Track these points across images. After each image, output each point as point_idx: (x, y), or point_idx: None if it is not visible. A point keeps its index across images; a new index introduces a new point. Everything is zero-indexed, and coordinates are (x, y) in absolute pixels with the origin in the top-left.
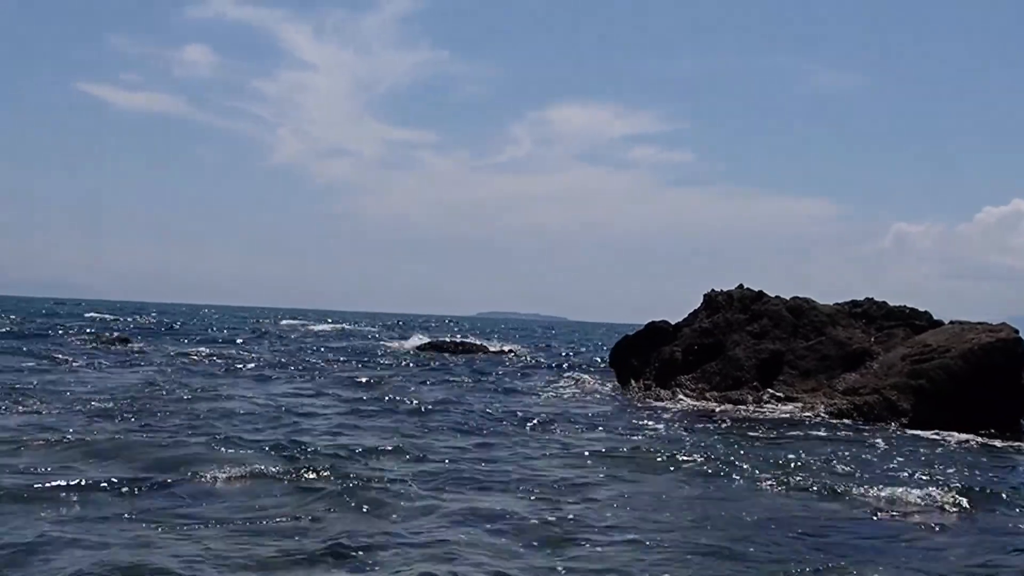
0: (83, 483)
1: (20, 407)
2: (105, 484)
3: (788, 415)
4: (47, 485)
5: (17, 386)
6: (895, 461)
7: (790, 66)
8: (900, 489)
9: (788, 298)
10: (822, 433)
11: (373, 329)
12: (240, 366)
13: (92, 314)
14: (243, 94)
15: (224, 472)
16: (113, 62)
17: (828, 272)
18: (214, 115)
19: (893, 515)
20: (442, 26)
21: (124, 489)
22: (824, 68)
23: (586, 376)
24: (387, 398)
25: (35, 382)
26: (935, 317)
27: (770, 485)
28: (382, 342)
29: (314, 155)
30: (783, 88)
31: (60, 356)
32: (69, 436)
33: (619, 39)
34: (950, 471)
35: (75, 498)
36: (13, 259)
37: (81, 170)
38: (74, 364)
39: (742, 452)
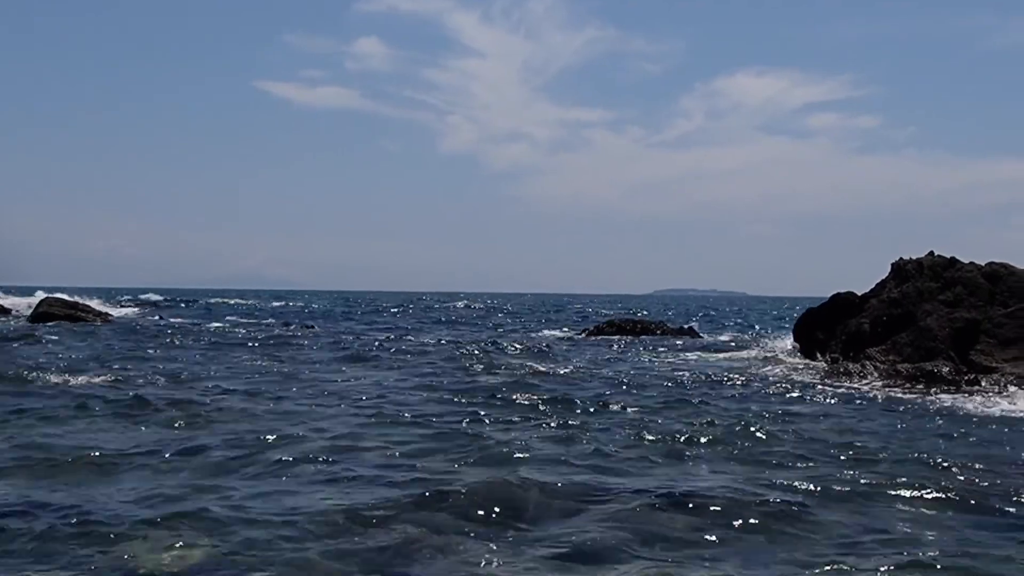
0: None
1: None
2: None
3: (986, 385)
4: None
5: None
6: None
7: (979, 22)
8: None
9: (983, 264)
10: None
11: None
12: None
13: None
14: (415, 84)
15: None
16: (290, 60)
17: None
18: (388, 106)
19: None
20: (608, 4)
21: None
22: (1019, 21)
23: (770, 352)
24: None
25: None
26: None
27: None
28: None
29: (487, 140)
30: (973, 45)
31: None
32: None
33: (792, 3)
34: None
35: None
36: (212, 255)
37: (267, 166)
38: None
39: (945, 431)
